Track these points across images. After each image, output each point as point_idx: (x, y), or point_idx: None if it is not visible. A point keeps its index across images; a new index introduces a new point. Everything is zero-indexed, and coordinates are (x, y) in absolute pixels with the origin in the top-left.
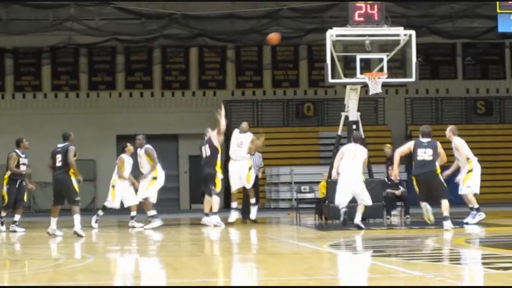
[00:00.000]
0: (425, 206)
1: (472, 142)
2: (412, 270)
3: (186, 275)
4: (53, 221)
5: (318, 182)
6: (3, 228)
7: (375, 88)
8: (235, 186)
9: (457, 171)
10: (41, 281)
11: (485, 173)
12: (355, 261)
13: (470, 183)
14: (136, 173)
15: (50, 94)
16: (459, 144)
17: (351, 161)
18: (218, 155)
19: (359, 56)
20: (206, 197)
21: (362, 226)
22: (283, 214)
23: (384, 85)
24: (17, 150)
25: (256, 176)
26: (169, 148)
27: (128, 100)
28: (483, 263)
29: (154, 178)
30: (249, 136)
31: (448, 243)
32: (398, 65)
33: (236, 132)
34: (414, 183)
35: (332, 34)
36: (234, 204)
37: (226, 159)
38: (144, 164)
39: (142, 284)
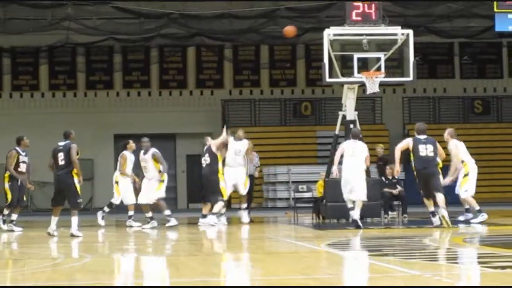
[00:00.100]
0: (441, 212)
1: (470, 141)
2: (410, 269)
3: (184, 275)
4: (54, 221)
5: (316, 182)
6: (5, 227)
7: (372, 87)
8: (228, 192)
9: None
10: (39, 281)
11: (482, 172)
12: (353, 260)
13: (467, 187)
14: (137, 172)
15: (47, 93)
16: (454, 148)
17: (350, 158)
18: (219, 163)
19: (356, 56)
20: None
21: (360, 224)
22: (281, 214)
23: (381, 84)
24: (17, 148)
25: (253, 176)
26: (167, 148)
27: (125, 99)
28: (481, 262)
29: (162, 181)
30: (245, 143)
31: (445, 242)
32: (395, 65)
33: (231, 140)
34: (416, 175)
35: (329, 33)
36: (244, 205)
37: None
38: (150, 168)
39: (140, 284)
